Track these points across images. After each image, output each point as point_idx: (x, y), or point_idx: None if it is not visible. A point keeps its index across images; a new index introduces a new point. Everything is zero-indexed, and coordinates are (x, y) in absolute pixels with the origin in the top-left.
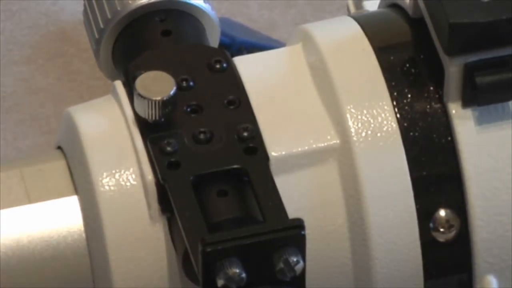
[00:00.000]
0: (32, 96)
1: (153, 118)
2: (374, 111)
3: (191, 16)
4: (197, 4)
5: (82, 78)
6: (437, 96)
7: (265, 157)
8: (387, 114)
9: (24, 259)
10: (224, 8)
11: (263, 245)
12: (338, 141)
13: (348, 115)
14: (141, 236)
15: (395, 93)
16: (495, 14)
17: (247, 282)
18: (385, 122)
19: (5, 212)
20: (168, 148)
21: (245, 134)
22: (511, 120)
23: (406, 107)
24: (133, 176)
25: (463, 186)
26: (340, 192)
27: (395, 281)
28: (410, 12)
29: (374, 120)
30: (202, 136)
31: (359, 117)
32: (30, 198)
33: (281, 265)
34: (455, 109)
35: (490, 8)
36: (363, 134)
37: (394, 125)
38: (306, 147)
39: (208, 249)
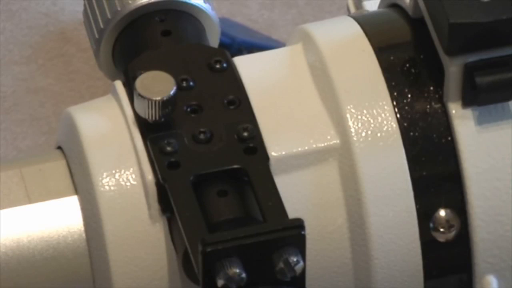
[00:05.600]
0: (32, 96)
1: (153, 118)
2: (374, 111)
3: (191, 16)
4: (197, 4)
5: (82, 78)
6: (437, 96)
7: (265, 157)
8: (387, 114)
9: (24, 259)
10: (224, 8)
11: (263, 245)
12: (338, 141)
13: (348, 115)
14: (141, 236)
15: (395, 93)
16: (495, 14)
17: (247, 282)
18: (385, 122)
19: (5, 212)
20: (168, 148)
21: (245, 134)
22: (511, 120)
23: (406, 107)
24: (133, 176)
25: (463, 186)
26: (340, 192)
27: (395, 281)
28: (410, 12)
29: (374, 120)
30: (202, 136)
31: (359, 117)
32: (30, 198)
33: (281, 265)
34: (455, 109)
35: (490, 8)
36: (363, 134)
37: (394, 125)
38: (306, 147)
39: (208, 249)
